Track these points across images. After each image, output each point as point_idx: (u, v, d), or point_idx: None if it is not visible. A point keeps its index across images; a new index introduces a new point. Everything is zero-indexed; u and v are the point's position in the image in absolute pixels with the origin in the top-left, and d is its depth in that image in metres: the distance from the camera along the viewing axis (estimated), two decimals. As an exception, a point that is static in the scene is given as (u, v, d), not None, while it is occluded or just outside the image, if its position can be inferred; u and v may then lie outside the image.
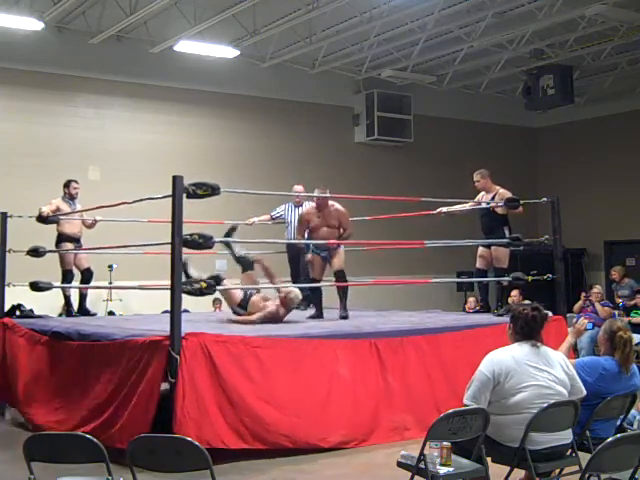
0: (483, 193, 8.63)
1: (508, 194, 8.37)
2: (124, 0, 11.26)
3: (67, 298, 9.44)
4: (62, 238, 9.24)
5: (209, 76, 13.42)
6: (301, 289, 7.97)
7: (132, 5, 11.22)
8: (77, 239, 9.38)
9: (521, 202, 8.15)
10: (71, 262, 9.27)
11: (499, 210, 8.36)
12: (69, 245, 9.22)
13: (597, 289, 11.04)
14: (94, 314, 9.76)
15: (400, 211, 9.43)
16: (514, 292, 10.49)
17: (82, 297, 9.52)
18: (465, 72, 15.28)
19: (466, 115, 16.46)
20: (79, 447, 3.70)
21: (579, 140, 16.83)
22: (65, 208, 9.28)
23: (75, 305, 9.56)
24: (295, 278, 9.61)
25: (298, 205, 9.64)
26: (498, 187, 8.52)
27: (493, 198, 8.43)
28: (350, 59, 14.12)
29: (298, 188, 9.68)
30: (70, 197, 9.44)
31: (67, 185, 9.48)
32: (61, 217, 9.19)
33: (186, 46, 12.40)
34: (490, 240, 8.38)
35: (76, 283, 9.43)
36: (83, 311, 9.45)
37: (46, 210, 9.06)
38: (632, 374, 4.82)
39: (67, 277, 9.23)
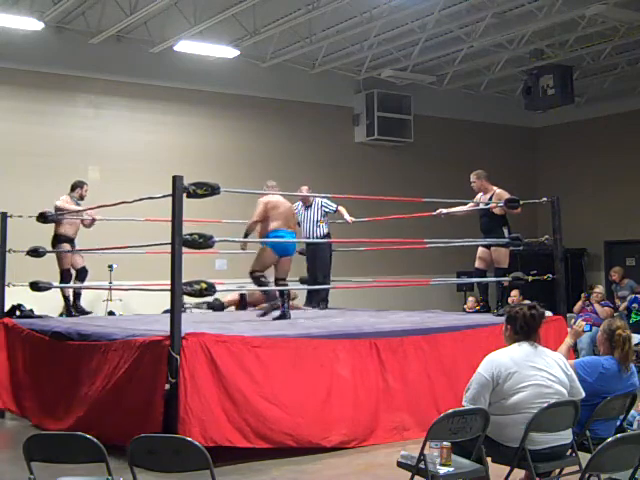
0: (482, 193, 8.64)
1: (505, 194, 8.37)
2: (124, 0, 11.26)
3: (66, 298, 9.43)
4: (61, 239, 9.19)
5: (209, 76, 13.42)
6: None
7: (132, 5, 11.22)
8: (73, 239, 9.35)
9: (521, 202, 8.15)
10: (69, 262, 9.27)
11: (497, 210, 8.36)
12: (67, 246, 9.19)
13: (598, 289, 11.03)
14: (89, 312, 9.72)
15: (400, 211, 9.43)
16: (514, 292, 10.49)
17: (77, 295, 9.52)
18: (465, 72, 15.28)
19: (466, 115, 16.46)
20: (79, 447, 3.69)
21: (579, 140, 16.83)
22: (72, 208, 9.23)
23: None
24: (312, 276, 9.59)
25: (308, 206, 9.62)
26: (495, 187, 8.53)
27: (491, 198, 8.44)
28: (350, 59, 14.11)
29: (304, 188, 9.66)
30: (80, 198, 9.40)
31: (80, 186, 9.41)
32: (65, 217, 9.13)
33: (186, 46, 12.40)
34: (490, 240, 8.38)
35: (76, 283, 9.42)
36: (78, 309, 9.44)
37: (61, 204, 9.07)
38: (631, 373, 4.82)
39: (65, 276, 9.23)
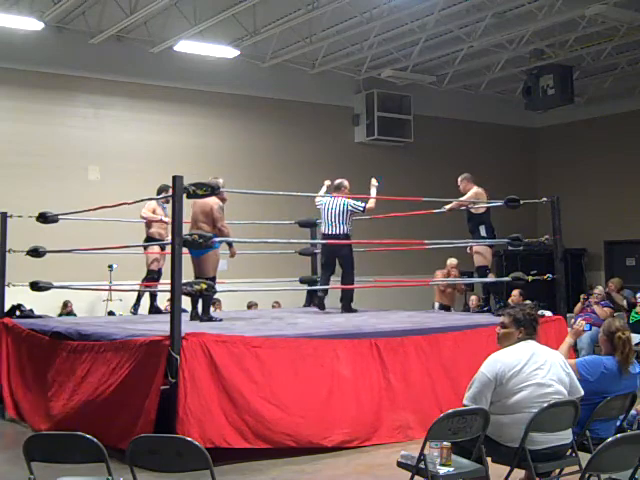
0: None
1: (482, 194, 8.50)
2: (124, 0, 11.26)
3: (154, 297, 9.56)
4: (156, 240, 9.23)
5: (209, 76, 13.42)
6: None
7: (132, 5, 11.22)
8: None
9: (521, 202, 8.17)
10: (163, 262, 9.38)
11: (473, 210, 8.46)
12: (157, 247, 9.25)
13: (597, 290, 11.01)
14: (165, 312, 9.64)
15: (400, 211, 9.43)
16: (514, 292, 10.49)
17: (154, 296, 9.63)
18: (465, 72, 15.28)
19: (466, 115, 16.46)
20: (79, 447, 3.69)
21: (579, 140, 16.83)
22: (160, 212, 9.30)
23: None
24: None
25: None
26: (474, 186, 8.62)
27: None
28: (350, 59, 14.12)
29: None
30: (166, 202, 9.24)
31: (166, 190, 9.05)
32: (153, 219, 9.21)
33: (186, 46, 12.40)
34: (491, 241, 8.44)
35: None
36: (156, 308, 9.56)
37: (148, 213, 9.18)
38: (633, 374, 4.82)
39: (158, 276, 9.39)
